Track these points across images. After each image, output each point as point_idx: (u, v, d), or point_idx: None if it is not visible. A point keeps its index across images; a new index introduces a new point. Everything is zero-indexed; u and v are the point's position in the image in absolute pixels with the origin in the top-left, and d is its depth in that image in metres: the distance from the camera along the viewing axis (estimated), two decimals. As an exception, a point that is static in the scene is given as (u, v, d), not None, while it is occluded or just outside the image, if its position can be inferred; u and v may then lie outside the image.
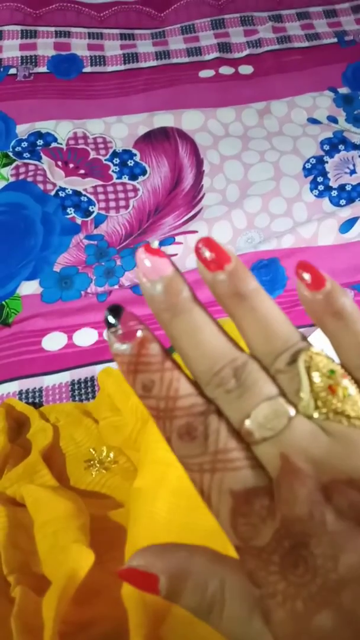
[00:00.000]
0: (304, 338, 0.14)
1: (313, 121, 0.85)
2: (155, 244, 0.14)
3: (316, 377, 0.13)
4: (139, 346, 0.14)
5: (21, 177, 0.75)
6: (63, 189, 0.74)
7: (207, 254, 0.14)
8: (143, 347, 0.14)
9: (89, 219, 0.73)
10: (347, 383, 0.13)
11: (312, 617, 0.11)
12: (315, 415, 0.13)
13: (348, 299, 0.14)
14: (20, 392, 0.58)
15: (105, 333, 0.14)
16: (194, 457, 0.13)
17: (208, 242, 0.14)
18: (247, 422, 0.13)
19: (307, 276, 0.14)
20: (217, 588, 0.13)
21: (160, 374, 0.13)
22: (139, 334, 0.14)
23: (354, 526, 0.12)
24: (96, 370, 0.59)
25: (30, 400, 0.57)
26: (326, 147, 0.82)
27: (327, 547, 0.11)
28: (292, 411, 0.13)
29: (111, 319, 0.14)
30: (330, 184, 0.79)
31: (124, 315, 0.14)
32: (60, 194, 0.74)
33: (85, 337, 0.63)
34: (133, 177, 0.77)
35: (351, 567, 0.11)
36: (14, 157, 0.77)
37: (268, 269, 0.70)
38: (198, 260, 0.14)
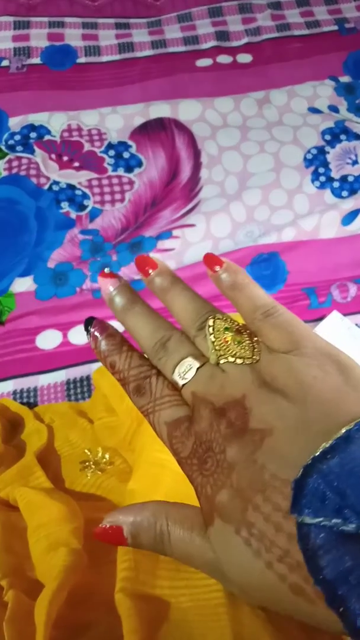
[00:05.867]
0: (212, 309, 0.20)
1: (314, 110, 0.83)
2: (107, 270, 0.21)
3: (217, 335, 0.19)
4: (105, 340, 0.20)
5: (14, 171, 0.73)
6: (57, 183, 0.73)
7: (144, 265, 0.21)
8: (108, 340, 0.20)
9: (83, 213, 0.71)
10: (237, 335, 0.19)
11: (215, 497, 0.16)
12: (221, 361, 0.18)
13: (240, 274, 0.20)
14: (14, 392, 0.57)
15: (87, 338, 0.21)
16: (144, 406, 0.19)
17: (142, 257, 0.21)
18: (173, 376, 0.19)
19: (209, 261, 0.20)
20: (163, 522, 0.18)
21: (119, 355, 0.20)
22: (106, 331, 0.21)
23: (239, 430, 0.16)
24: (92, 368, 0.58)
25: (25, 400, 0.56)
26: (327, 137, 0.80)
27: (220, 445, 0.16)
28: (198, 363, 0.19)
29: (88, 324, 0.21)
30: (332, 175, 0.77)
31: (96, 321, 0.21)
32: (54, 188, 0.72)
33: (81, 335, 0.61)
34: (129, 169, 0.75)
35: (234, 455, 0.16)
36: (6, 151, 0.75)
37: (268, 263, 0.68)
38: (139, 271, 0.21)
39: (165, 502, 0.19)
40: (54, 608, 0.23)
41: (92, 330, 0.21)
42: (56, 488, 0.36)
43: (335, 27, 0.94)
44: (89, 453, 0.41)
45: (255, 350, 0.18)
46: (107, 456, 0.40)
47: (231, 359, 0.18)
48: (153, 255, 0.21)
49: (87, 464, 0.40)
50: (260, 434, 0.16)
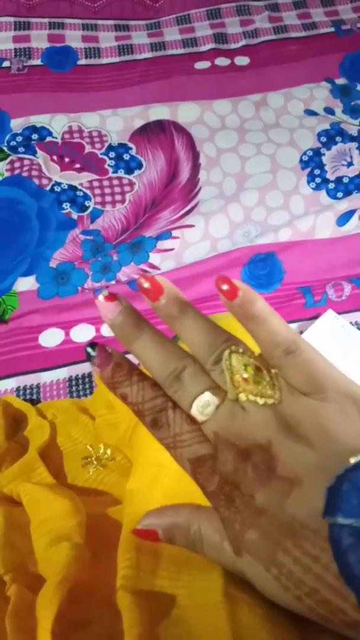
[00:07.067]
0: (228, 338, 0.19)
1: (310, 113, 0.84)
2: (105, 292, 0.19)
3: (235, 371, 0.18)
4: (112, 370, 0.19)
5: (16, 172, 0.74)
6: (58, 184, 0.74)
7: (146, 284, 0.19)
8: (115, 370, 0.19)
9: (85, 213, 0.72)
10: (256, 373, 0.18)
11: (244, 534, 0.17)
12: (241, 398, 0.18)
13: (259, 302, 0.18)
14: (17, 389, 0.58)
15: (90, 365, 0.19)
16: (164, 439, 0.19)
17: (146, 277, 0.19)
18: (192, 411, 0.18)
19: (225, 287, 0.18)
20: (196, 529, 0.19)
21: (130, 387, 0.19)
22: (112, 360, 0.19)
23: (265, 474, 0.17)
24: (93, 366, 0.59)
25: (28, 396, 0.57)
26: (323, 139, 0.81)
27: (249, 489, 0.17)
28: (217, 400, 0.18)
29: (91, 352, 0.19)
30: (327, 176, 0.78)
31: (99, 349, 0.19)
32: (56, 189, 0.73)
33: (83, 333, 0.63)
34: (129, 171, 0.77)
35: (263, 501, 0.16)
36: (8, 152, 0.76)
37: (265, 263, 0.69)
38: (143, 295, 0.19)
39: (197, 508, 0.19)
40: (56, 602, 0.23)
41: (96, 359, 0.19)
42: (58, 483, 0.36)
43: (332, 29, 0.95)
44: (90, 449, 0.42)
45: (276, 387, 0.18)
46: (108, 452, 0.41)
47: (252, 398, 0.18)
48: (159, 277, 0.19)
49: (89, 459, 0.41)
50: (289, 483, 0.16)
